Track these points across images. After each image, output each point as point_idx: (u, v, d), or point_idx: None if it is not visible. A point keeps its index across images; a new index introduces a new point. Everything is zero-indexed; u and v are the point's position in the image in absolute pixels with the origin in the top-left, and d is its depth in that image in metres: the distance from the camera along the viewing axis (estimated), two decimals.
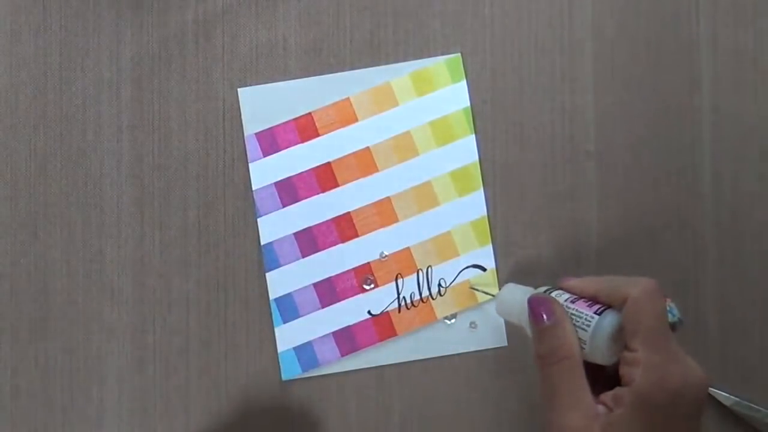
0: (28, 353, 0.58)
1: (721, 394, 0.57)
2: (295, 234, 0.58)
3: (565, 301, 0.49)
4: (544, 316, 0.48)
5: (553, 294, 0.50)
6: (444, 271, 0.58)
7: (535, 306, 0.49)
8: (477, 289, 0.57)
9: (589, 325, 0.47)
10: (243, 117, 0.58)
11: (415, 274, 0.58)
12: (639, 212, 0.58)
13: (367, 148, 0.58)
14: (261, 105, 0.58)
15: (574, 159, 0.58)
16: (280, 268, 0.58)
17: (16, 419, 0.57)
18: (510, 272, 0.58)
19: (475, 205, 0.58)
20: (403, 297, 0.58)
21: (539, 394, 0.48)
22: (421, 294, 0.58)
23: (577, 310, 0.48)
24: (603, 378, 0.47)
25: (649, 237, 0.58)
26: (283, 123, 0.58)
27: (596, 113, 0.58)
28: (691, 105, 0.58)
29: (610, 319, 0.47)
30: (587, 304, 0.48)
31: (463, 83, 0.58)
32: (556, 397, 0.46)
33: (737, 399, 0.56)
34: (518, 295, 0.52)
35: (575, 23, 0.58)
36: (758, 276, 0.58)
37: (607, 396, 0.46)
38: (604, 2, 0.58)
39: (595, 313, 0.47)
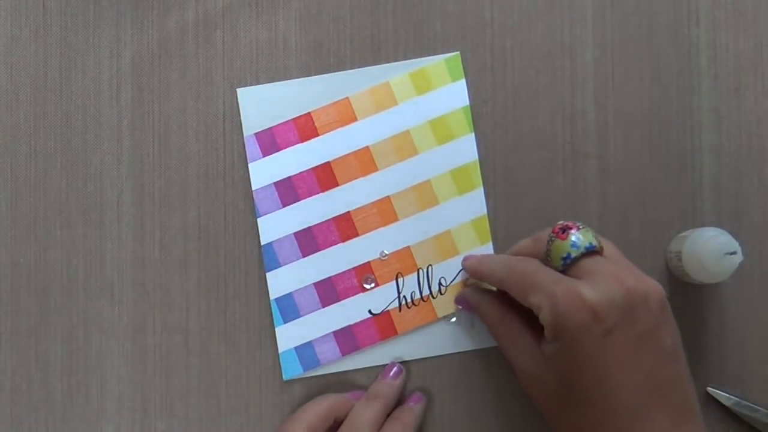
0: (28, 353, 0.57)
1: (721, 394, 0.57)
2: (295, 234, 0.58)
3: None
4: None
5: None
6: (444, 270, 0.58)
7: None
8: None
9: None
10: (242, 117, 0.58)
11: (416, 273, 0.58)
12: (639, 212, 0.58)
13: (367, 147, 0.58)
14: (260, 105, 0.58)
15: (574, 158, 0.58)
16: (280, 268, 0.58)
17: (16, 419, 0.57)
18: None
19: (475, 203, 0.58)
20: (404, 296, 0.58)
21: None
22: (421, 293, 0.58)
23: None
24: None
25: (650, 237, 0.58)
26: (283, 123, 0.58)
27: (596, 113, 0.58)
28: (691, 106, 0.58)
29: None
30: None
31: (463, 81, 0.58)
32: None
33: (737, 399, 0.56)
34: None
35: (575, 23, 0.58)
36: (758, 276, 0.58)
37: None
38: (604, 3, 0.58)
39: None
